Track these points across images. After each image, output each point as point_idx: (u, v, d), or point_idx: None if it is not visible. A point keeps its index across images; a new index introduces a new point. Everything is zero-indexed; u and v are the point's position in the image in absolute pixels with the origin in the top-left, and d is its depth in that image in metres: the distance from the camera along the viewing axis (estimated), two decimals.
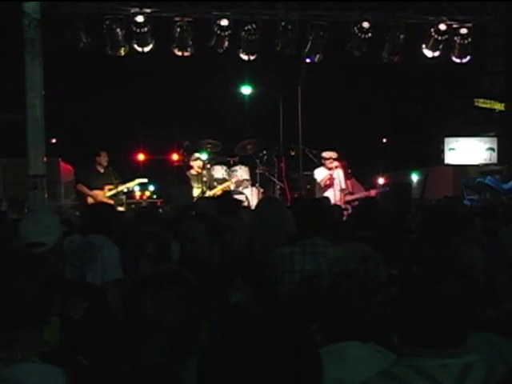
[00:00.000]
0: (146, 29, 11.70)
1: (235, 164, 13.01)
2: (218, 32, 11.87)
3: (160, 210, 10.64)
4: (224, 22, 11.77)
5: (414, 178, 15.14)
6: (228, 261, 4.31)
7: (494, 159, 14.20)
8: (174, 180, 12.06)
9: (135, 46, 11.99)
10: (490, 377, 1.99)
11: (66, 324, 2.91)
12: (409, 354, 2.07)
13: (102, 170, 11.52)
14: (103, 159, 11.48)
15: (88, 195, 11.28)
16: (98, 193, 11.29)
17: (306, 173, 13.23)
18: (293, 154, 14.10)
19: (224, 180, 12.50)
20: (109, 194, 11.38)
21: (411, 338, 2.10)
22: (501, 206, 9.41)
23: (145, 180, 13.59)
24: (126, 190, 12.10)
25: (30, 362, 2.20)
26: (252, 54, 12.34)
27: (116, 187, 11.52)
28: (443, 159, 14.38)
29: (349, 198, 11.75)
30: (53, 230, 3.68)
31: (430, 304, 2.06)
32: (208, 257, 4.06)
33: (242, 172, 12.72)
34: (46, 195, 10.76)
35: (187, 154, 12.86)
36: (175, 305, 2.13)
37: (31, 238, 3.56)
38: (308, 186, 12.91)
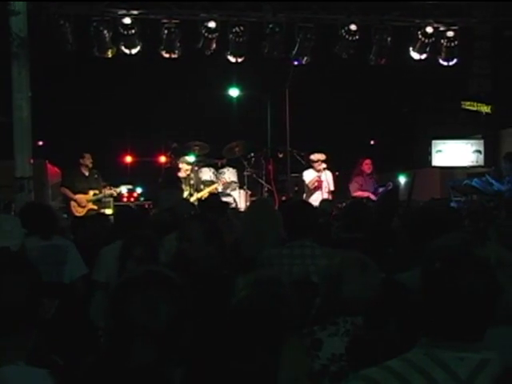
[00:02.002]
0: (133, 31, 11.68)
1: (223, 166, 12.99)
2: (206, 34, 11.87)
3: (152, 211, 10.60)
4: (211, 24, 11.78)
5: (402, 179, 15.14)
6: (225, 263, 4.29)
7: (481, 161, 14.25)
8: (162, 183, 12.01)
9: (122, 48, 11.97)
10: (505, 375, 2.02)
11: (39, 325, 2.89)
12: (427, 343, 2.13)
13: (86, 173, 11.45)
14: (87, 161, 11.41)
15: (71, 199, 11.20)
16: (81, 197, 11.20)
17: (293, 175, 13.24)
18: (281, 156, 14.10)
19: (211, 182, 12.47)
20: (92, 198, 11.30)
21: (432, 329, 2.15)
22: (480, 208, 9.45)
23: (130, 186, 13.54)
24: (110, 195, 11.98)
25: (15, 364, 2.19)
26: (240, 56, 12.34)
27: (101, 191, 11.45)
28: (430, 161, 14.42)
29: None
30: (15, 235, 3.67)
31: (450, 298, 2.10)
32: (204, 258, 4.05)
33: (229, 174, 12.71)
34: (32, 197, 10.69)
35: (175, 156, 12.82)
36: (161, 307, 2.11)
37: None
38: (296, 188, 12.91)
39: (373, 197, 11.46)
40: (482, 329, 2.12)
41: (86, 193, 11.28)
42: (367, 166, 11.87)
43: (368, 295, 3.02)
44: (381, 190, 11.58)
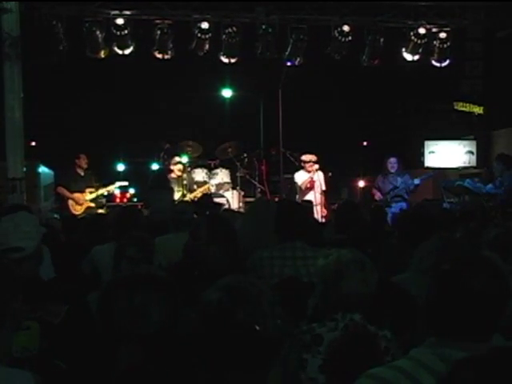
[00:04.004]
0: (126, 31, 11.67)
1: (216, 167, 13.01)
2: (199, 35, 11.86)
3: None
4: (204, 25, 11.78)
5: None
6: (238, 264, 4.26)
7: (473, 162, 14.28)
8: (153, 184, 12.00)
9: (115, 49, 11.95)
10: None
11: (45, 329, 2.88)
12: (436, 343, 2.13)
13: (81, 173, 11.48)
14: (83, 161, 11.44)
15: (69, 198, 11.22)
16: (78, 196, 11.23)
17: (286, 175, 13.24)
18: (273, 153, 14.09)
19: (204, 183, 12.48)
20: (89, 197, 11.33)
21: (440, 328, 2.15)
22: (479, 208, 9.47)
23: (125, 183, 13.51)
24: (106, 193, 12.04)
25: None
26: (232, 57, 12.34)
27: (96, 190, 11.48)
28: (423, 162, 14.44)
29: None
30: (32, 235, 3.62)
31: (461, 298, 2.10)
32: (216, 259, 4.04)
33: (222, 175, 12.72)
34: (25, 198, 10.68)
35: (167, 157, 12.82)
36: (148, 311, 2.07)
37: (9, 243, 3.50)
38: (289, 186, 12.93)
39: (379, 197, 11.52)
40: (490, 329, 2.12)
41: (83, 191, 11.31)
42: (390, 164, 11.80)
43: (367, 291, 3.05)
44: (416, 183, 11.65)
